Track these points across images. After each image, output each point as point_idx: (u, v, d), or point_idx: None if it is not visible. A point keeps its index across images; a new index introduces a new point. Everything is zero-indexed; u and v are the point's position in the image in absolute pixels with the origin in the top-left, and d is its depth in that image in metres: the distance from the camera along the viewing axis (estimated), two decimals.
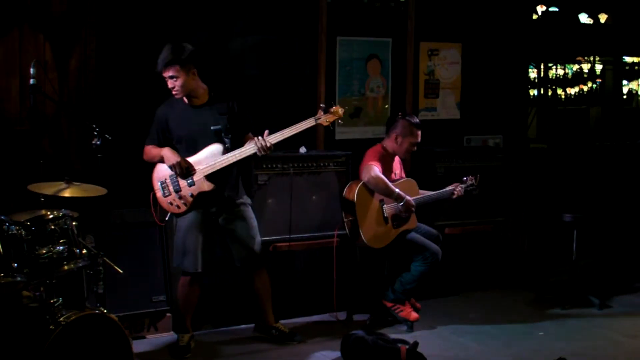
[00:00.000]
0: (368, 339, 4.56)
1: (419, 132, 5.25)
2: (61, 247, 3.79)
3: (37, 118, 4.73)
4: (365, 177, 5.12)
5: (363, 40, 6.05)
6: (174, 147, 4.60)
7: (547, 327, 5.35)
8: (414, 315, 5.24)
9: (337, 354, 4.70)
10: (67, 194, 4.01)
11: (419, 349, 4.48)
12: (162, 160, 4.56)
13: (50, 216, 3.85)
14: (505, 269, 6.37)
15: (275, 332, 4.96)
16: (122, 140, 4.62)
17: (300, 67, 5.80)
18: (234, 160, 4.49)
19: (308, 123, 4.57)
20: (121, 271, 4.18)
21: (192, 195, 4.50)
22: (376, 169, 5.09)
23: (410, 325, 5.22)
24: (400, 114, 5.33)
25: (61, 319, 3.58)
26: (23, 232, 3.69)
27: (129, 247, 4.92)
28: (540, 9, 8.76)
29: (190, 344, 4.75)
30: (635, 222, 7.07)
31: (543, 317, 5.54)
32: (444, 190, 5.32)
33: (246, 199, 4.79)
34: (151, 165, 4.67)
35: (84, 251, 3.93)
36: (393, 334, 5.01)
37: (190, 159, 4.52)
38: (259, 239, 4.82)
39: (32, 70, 4.19)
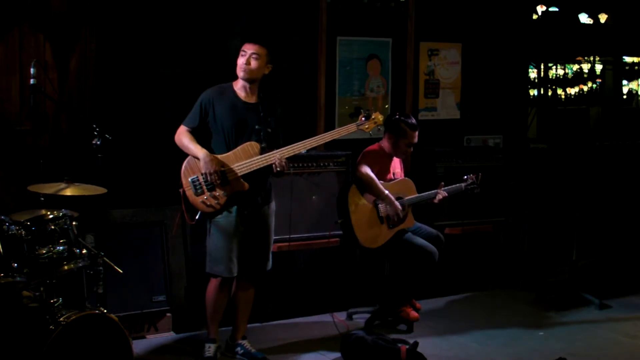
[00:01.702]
0: (368, 339, 4.56)
1: (415, 133, 5.23)
2: (61, 247, 3.79)
3: (37, 118, 4.73)
4: (355, 175, 5.13)
5: (363, 40, 6.05)
6: (209, 135, 4.43)
7: (547, 327, 5.35)
8: (414, 315, 5.24)
9: (337, 354, 4.70)
10: (67, 193, 4.00)
11: (419, 349, 4.48)
12: (196, 157, 4.38)
13: (50, 216, 3.85)
14: (505, 269, 6.38)
15: (240, 350, 4.64)
16: (122, 140, 4.62)
17: (300, 67, 5.80)
18: (260, 166, 4.37)
19: (349, 128, 4.62)
20: (121, 271, 4.17)
21: (226, 195, 4.35)
22: (367, 168, 5.08)
23: (410, 325, 5.22)
24: (397, 114, 5.32)
25: (61, 319, 3.58)
26: (23, 232, 3.70)
27: (129, 247, 4.92)
28: (540, 9, 8.75)
29: (217, 355, 4.58)
30: (635, 222, 7.07)
31: (543, 317, 5.54)
32: (430, 192, 5.30)
33: (273, 205, 4.64)
34: (151, 162, 4.60)
35: (84, 251, 3.93)
36: (393, 334, 5.01)
37: (226, 155, 4.38)
38: (271, 253, 4.64)
39: (32, 70, 4.19)
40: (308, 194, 5.40)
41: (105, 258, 4.06)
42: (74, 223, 3.90)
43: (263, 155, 4.38)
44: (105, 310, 3.82)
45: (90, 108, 5.00)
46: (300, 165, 5.34)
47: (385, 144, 5.29)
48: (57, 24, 4.89)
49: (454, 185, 5.35)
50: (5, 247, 3.64)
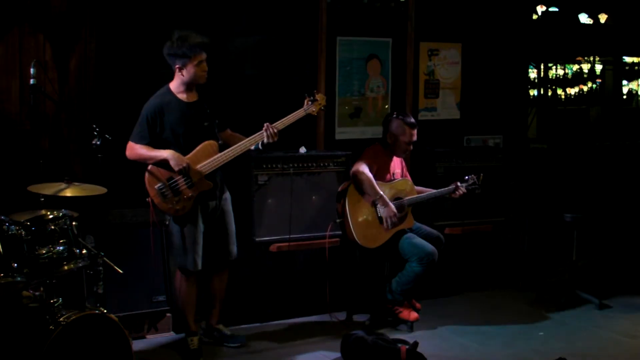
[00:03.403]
0: (368, 339, 4.56)
1: (414, 131, 5.24)
2: (61, 247, 3.79)
3: (37, 118, 4.73)
4: (351, 171, 5.13)
5: (363, 40, 6.05)
6: (160, 145, 4.50)
7: (547, 327, 5.35)
8: (414, 315, 5.24)
9: (337, 354, 4.70)
10: (67, 194, 4.01)
11: (419, 349, 4.48)
12: (160, 163, 4.44)
13: (50, 216, 3.85)
14: (505, 269, 6.37)
15: (217, 334, 4.87)
16: (122, 140, 4.61)
17: (300, 67, 5.80)
18: (235, 155, 4.54)
19: (299, 113, 4.72)
20: (121, 271, 4.17)
21: (192, 197, 4.47)
22: (364, 166, 5.08)
23: (410, 325, 5.22)
24: (395, 113, 5.32)
25: (61, 319, 3.58)
26: (23, 232, 3.69)
27: (129, 247, 4.92)
28: (540, 9, 8.76)
29: (201, 347, 4.70)
30: (635, 222, 7.07)
31: (543, 317, 5.54)
32: (444, 188, 5.32)
33: (228, 195, 4.78)
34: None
35: (84, 251, 3.93)
36: (393, 334, 5.01)
37: (186, 157, 4.46)
38: (235, 238, 4.79)
39: (32, 70, 4.19)
40: (308, 194, 5.40)
41: (105, 258, 4.06)
42: (73, 223, 3.90)
43: (226, 152, 4.52)
44: (105, 310, 3.82)
45: (90, 108, 5.00)
46: (300, 165, 5.35)
47: (384, 143, 5.29)
48: (57, 24, 4.89)
49: (444, 188, 5.35)
50: (5, 247, 3.64)
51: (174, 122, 4.49)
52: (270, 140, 4.56)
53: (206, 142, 4.52)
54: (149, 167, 4.47)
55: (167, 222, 4.60)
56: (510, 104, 6.77)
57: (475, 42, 6.55)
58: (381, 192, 5.07)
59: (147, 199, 4.48)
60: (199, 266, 4.60)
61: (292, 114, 4.69)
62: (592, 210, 6.43)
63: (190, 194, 4.46)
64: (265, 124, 4.57)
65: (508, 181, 6.31)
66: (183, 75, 4.49)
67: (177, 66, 4.48)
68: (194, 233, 4.55)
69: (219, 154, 4.52)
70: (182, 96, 4.55)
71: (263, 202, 5.22)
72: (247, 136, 4.62)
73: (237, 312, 5.30)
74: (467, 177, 5.35)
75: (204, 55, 4.49)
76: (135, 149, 4.49)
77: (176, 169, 4.40)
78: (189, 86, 4.55)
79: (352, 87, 6.03)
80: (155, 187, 4.45)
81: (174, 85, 4.55)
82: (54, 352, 3.50)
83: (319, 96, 4.79)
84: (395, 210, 5.09)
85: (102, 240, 4.47)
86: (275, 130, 4.56)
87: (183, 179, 4.44)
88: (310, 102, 4.75)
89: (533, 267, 6.59)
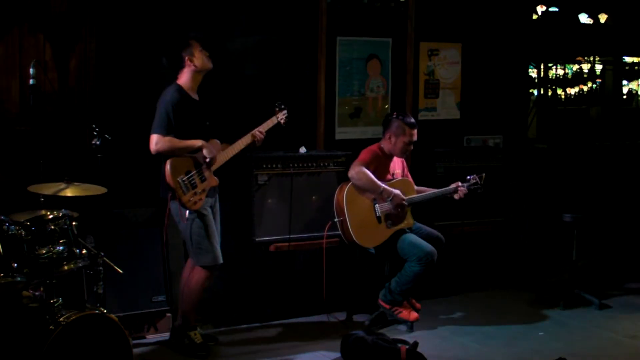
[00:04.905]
0: (368, 339, 4.56)
1: (414, 132, 5.24)
2: (61, 247, 3.79)
3: (37, 118, 4.73)
4: (349, 173, 5.13)
5: (363, 40, 6.05)
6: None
7: (547, 327, 5.35)
8: (414, 315, 5.24)
9: (337, 354, 4.70)
10: (67, 194, 4.01)
11: (419, 349, 4.48)
12: (192, 152, 4.50)
13: (50, 216, 3.85)
14: (505, 269, 6.38)
15: (187, 341, 4.74)
16: (122, 140, 4.62)
17: (300, 67, 5.80)
18: (243, 146, 4.72)
19: (272, 121, 4.90)
20: (121, 271, 4.17)
21: (205, 191, 4.57)
22: (361, 166, 5.09)
23: (410, 325, 5.22)
24: (394, 113, 5.32)
25: (61, 319, 3.58)
26: (23, 232, 3.70)
27: (129, 247, 4.92)
28: (540, 9, 8.76)
29: (204, 340, 4.74)
30: (635, 222, 7.07)
31: (543, 317, 5.54)
32: (445, 188, 5.32)
33: (217, 195, 4.86)
34: (150, 162, 4.61)
35: (84, 251, 3.94)
36: (393, 334, 5.01)
37: (198, 154, 4.56)
38: (220, 238, 4.84)
39: (32, 70, 4.19)
40: (308, 194, 5.40)
41: (105, 258, 4.06)
42: (73, 223, 3.90)
43: (229, 149, 4.68)
44: (105, 310, 3.82)
45: (90, 108, 5.00)
46: (300, 165, 5.35)
47: (384, 143, 5.29)
48: (57, 24, 4.89)
49: (445, 188, 5.35)
50: (5, 247, 3.64)
51: (188, 117, 4.54)
52: (257, 143, 4.76)
53: (213, 141, 4.65)
54: (169, 160, 4.46)
55: (186, 216, 4.55)
56: (510, 104, 6.77)
57: (475, 42, 6.55)
58: (383, 185, 5.07)
59: (168, 193, 4.48)
60: (221, 259, 4.65)
61: (265, 122, 4.84)
62: (592, 210, 6.43)
63: (203, 188, 4.55)
64: (254, 130, 4.76)
65: (508, 181, 6.31)
66: (196, 65, 4.57)
67: (186, 58, 4.56)
68: (212, 227, 4.63)
69: (229, 147, 4.68)
70: (191, 93, 4.62)
71: (263, 202, 5.23)
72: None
73: (237, 312, 5.30)
74: (469, 177, 5.36)
75: (198, 43, 4.60)
76: (165, 141, 4.46)
77: (209, 157, 4.51)
78: (197, 80, 4.62)
79: (352, 87, 6.03)
80: (178, 179, 4.48)
81: (183, 82, 4.61)
82: (54, 352, 3.51)
83: (282, 107, 4.95)
84: (402, 195, 5.10)
85: (102, 240, 4.47)
86: (263, 135, 4.76)
87: (196, 173, 4.52)
88: (279, 111, 4.92)
89: (533, 267, 6.59)
